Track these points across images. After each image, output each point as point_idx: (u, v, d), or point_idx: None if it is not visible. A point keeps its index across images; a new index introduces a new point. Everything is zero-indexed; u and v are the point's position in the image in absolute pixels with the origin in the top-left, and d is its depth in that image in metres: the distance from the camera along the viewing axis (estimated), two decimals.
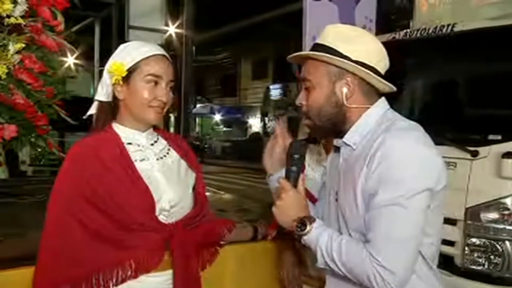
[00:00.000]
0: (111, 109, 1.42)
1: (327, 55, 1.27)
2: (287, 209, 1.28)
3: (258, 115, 22.67)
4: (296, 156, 1.31)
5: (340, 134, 1.32)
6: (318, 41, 1.32)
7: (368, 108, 1.30)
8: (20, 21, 1.72)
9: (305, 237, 1.25)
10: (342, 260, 1.18)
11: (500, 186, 2.21)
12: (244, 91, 24.74)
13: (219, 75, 26.26)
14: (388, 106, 1.33)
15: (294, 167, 1.31)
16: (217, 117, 25.97)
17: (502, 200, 2.20)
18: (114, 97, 1.40)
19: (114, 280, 1.29)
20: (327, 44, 1.29)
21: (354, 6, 2.60)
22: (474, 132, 2.49)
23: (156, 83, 1.36)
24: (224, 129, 25.96)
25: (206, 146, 21.90)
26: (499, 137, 2.32)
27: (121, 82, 1.36)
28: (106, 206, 1.29)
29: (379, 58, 1.30)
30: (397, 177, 1.14)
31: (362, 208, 1.21)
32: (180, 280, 1.37)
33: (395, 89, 1.33)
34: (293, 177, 1.31)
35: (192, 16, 5.04)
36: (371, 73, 1.27)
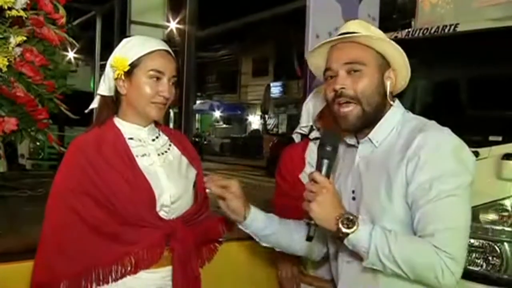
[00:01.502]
0: (113, 103, 1.42)
1: (389, 40, 1.26)
2: (328, 205, 1.17)
3: (258, 113, 22.65)
4: (328, 148, 1.21)
5: (365, 129, 1.29)
6: (350, 30, 1.28)
7: (390, 106, 1.30)
8: (22, 14, 1.71)
9: (352, 236, 1.14)
10: (403, 257, 1.12)
11: (500, 187, 2.21)
12: (244, 88, 24.71)
13: (220, 71, 26.22)
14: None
15: (325, 160, 1.21)
16: (217, 113, 25.94)
17: (502, 202, 2.19)
18: (117, 92, 1.39)
19: (113, 276, 1.28)
20: (369, 33, 1.26)
21: (357, 4, 2.60)
22: (475, 133, 2.49)
23: (158, 78, 1.36)
24: (224, 126, 25.93)
25: (205, 142, 21.90)
26: (500, 139, 2.32)
27: (123, 77, 1.35)
28: (107, 201, 1.29)
29: None
30: (452, 171, 1.17)
31: (399, 201, 1.20)
32: (180, 277, 1.37)
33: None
34: (325, 171, 1.21)
35: (194, 12, 5.02)
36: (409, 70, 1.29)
